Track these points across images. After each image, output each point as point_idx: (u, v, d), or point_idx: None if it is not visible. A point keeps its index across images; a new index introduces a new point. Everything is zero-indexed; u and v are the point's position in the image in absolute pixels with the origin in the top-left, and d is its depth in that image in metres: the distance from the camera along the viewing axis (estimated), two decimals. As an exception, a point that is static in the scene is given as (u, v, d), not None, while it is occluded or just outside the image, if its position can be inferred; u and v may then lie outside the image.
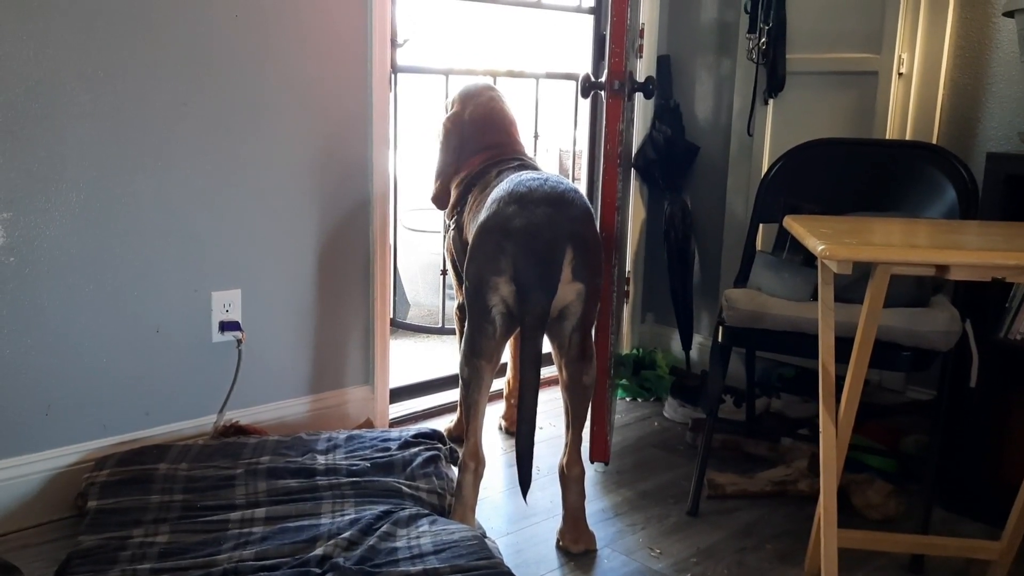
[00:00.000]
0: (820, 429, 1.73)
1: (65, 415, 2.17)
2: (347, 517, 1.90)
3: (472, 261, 1.97)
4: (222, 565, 1.70)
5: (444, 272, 3.11)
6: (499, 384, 2.87)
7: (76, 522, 2.11)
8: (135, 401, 2.28)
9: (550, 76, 3.24)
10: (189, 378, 2.36)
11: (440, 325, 3.29)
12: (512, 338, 2.60)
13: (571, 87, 3.30)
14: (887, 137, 2.77)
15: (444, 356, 4.16)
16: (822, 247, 1.48)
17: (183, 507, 1.95)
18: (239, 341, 2.42)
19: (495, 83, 2.74)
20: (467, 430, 2.06)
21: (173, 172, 2.27)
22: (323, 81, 2.51)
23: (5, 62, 1.98)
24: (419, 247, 4.46)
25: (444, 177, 2.53)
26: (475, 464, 2.04)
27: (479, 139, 2.51)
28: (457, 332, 2.60)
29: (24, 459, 2.12)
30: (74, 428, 2.18)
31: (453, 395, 3.04)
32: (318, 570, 1.69)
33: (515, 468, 1.98)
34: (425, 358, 4.18)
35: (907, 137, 2.78)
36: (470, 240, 2.05)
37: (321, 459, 2.19)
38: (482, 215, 2.04)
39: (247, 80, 2.36)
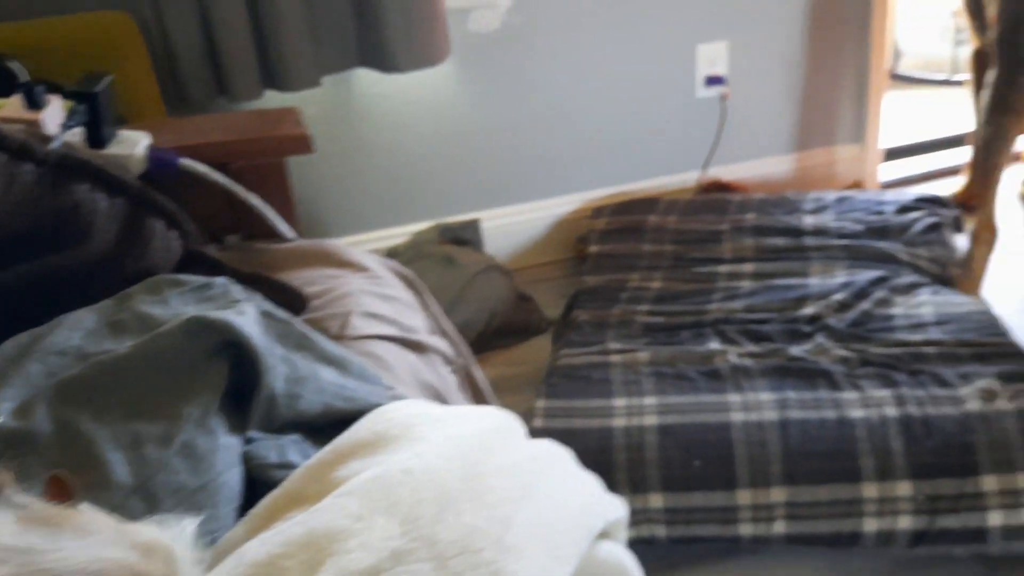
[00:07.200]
0: None
1: (566, 169, 2.35)
2: (837, 280, 1.84)
3: None
4: (712, 314, 1.77)
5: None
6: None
7: (577, 262, 2.34)
8: (626, 156, 2.38)
9: None
10: (673, 134, 2.40)
11: (945, 77, 2.89)
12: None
13: None
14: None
15: (946, 112, 3.69)
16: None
17: (673, 257, 2.04)
18: (723, 97, 2.37)
19: None
20: (981, 197, 1.83)
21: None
22: None
23: None
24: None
25: None
26: (989, 235, 1.82)
27: None
28: (973, 84, 2.26)
29: (534, 205, 2.37)
30: (574, 180, 2.37)
31: (955, 157, 2.70)
32: (808, 328, 1.68)
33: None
34: (921, 115, 3.75)
35: None
36: None
37: (808, 219, 2.12)
38: None
39: None
